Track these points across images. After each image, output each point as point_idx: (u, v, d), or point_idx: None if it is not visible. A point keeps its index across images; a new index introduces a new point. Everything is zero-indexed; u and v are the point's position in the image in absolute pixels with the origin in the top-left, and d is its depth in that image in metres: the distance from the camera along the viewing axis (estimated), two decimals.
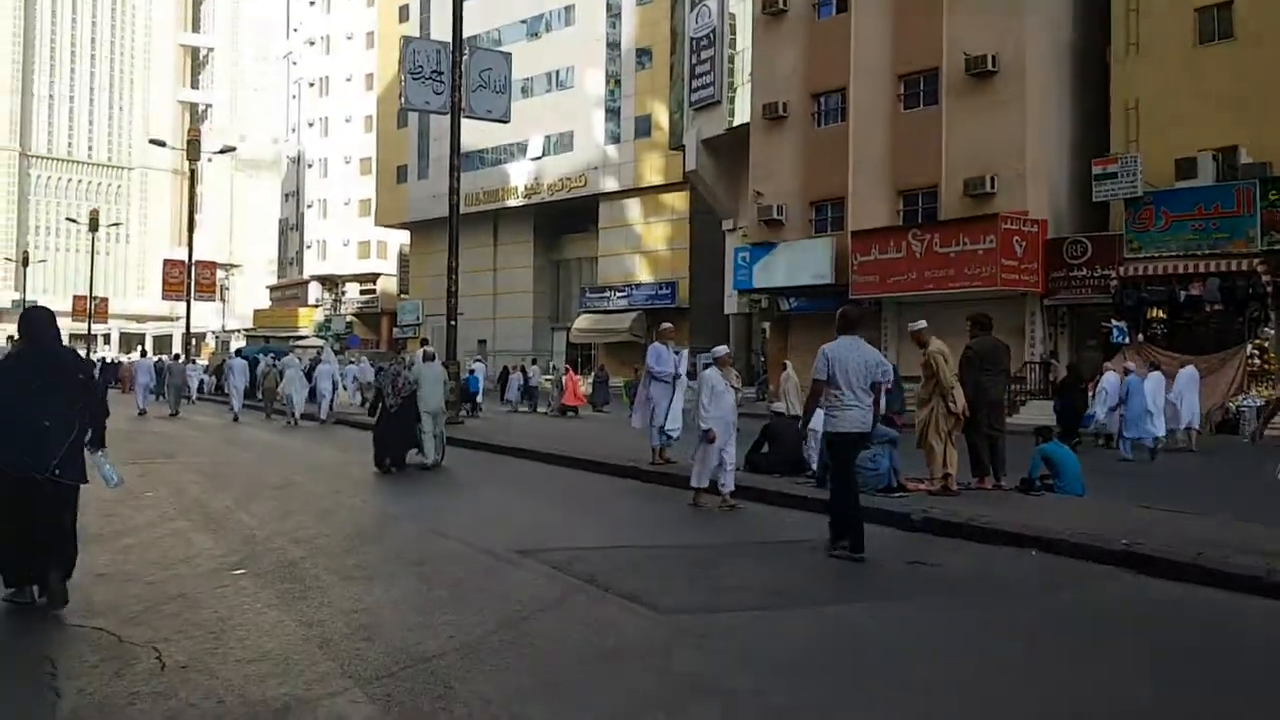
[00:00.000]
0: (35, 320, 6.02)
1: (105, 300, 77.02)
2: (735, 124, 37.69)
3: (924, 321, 10.89)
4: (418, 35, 64.03)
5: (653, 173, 49.77)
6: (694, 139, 40.53)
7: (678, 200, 49.22)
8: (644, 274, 50.66)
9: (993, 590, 6.92)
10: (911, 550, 8.08)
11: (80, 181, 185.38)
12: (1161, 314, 25.09)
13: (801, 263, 30.73)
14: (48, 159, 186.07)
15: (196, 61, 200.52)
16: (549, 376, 32.89)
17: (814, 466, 11.69)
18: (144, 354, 36.77)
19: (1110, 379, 18.40)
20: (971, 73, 27.49)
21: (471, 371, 29.20)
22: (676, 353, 13.32)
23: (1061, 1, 28.11)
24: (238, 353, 33.50)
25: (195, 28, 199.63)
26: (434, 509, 10.57)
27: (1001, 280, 25.86)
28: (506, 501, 11.05)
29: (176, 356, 31.99)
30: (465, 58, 21.39)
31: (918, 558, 7.74)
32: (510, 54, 22.86)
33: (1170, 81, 25.09)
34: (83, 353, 45.16)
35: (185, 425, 23.70)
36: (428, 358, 14.90)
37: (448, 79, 21.17)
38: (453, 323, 21.35)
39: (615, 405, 31.75)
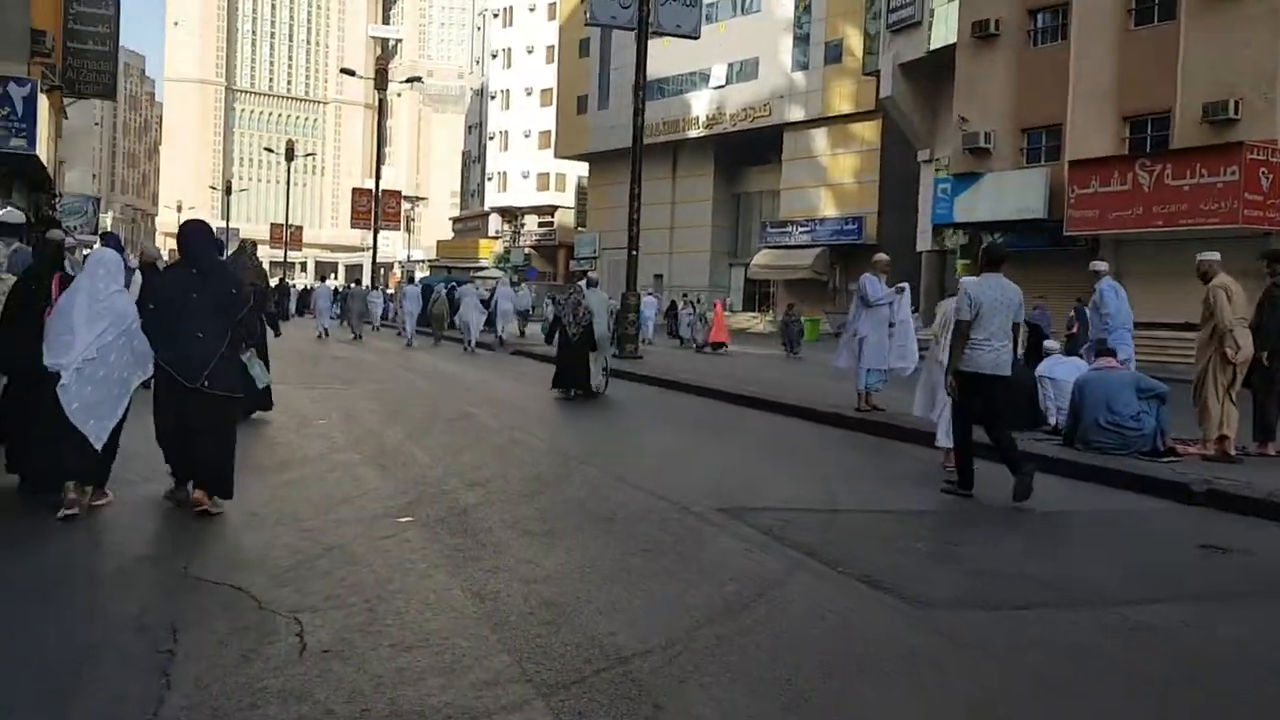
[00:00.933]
0: (191, 234, 6.13)
1: (300, 229, 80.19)
2: (935, 47, 35.10)
3: (1216, 254, 9.11)
4: None
5: (842, 101, 47.32)
6: (890, 63, 38.10)
7: (867, 130, 46.71)
8: (829, 208, 48.49)
9: None
10: (1199, 530, 6.57)
11: (279, 115, 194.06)
12: None
13: (1009, 195, 28.31)
14: (250, 93, 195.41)
15: None
16: (690, 311, 31.11)
17: (1052, 420, 10.15)
18: (323, 280, 37.63)
19: None
20: None
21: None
22: (899, 289, 11.89)
23: None
24: (409, 279, 34.22)
25: None
26: (617, 451, 9.58)
27: (1243, 217, 23.01)
28: (696, 446, 9.95)
29: (358, 282, 32.70)
30: None
31: (1211, 540, 6.23)
32: None
33: None
34: (275, 279, 46.59)
35: (364, 350, 23.75)
36: (591, 284, 14.61)
37: None
38: (634, 252, 20.36)
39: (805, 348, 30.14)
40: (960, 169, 29.97)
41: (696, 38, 21.69)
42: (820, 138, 49.09)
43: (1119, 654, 4.13)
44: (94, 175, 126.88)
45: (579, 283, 15.59)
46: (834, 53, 47.83)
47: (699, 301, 31.42)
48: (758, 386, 14.64)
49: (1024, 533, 6.47)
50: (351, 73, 48.84)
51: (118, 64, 31.51)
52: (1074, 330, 21.46)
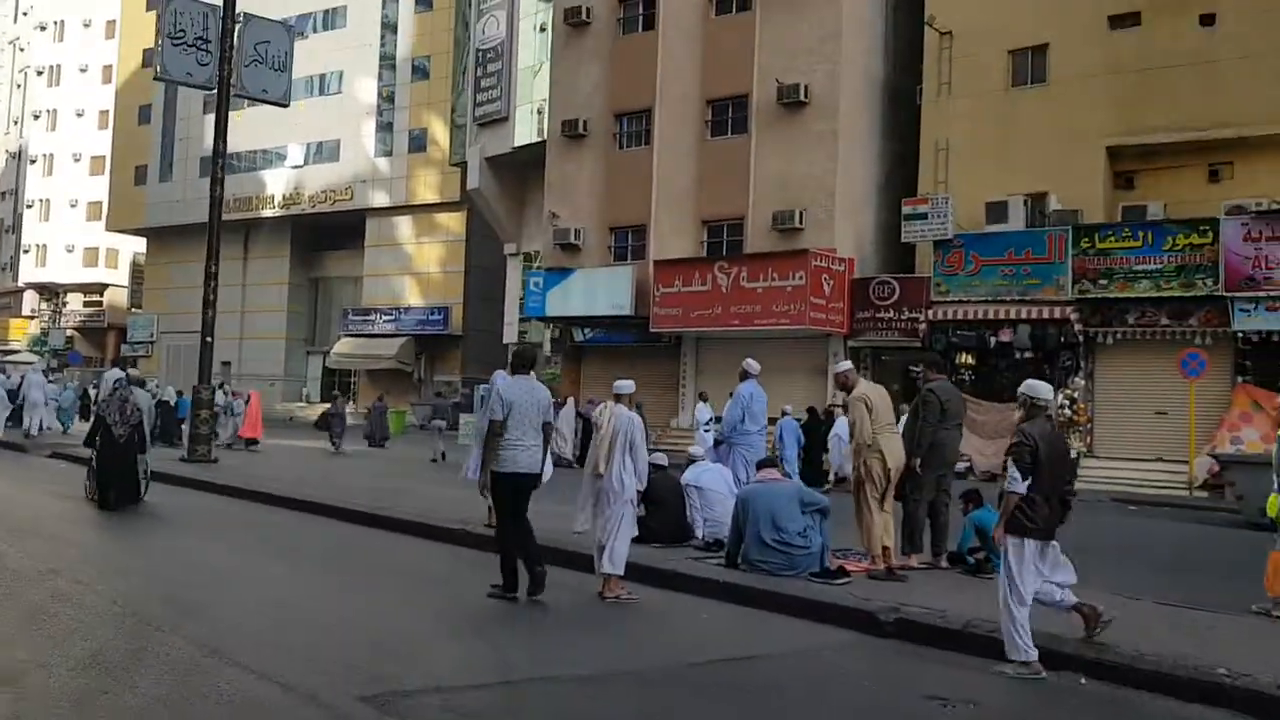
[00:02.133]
0: None
1: None
2: (520, 143, 35.44)
3: (848, 362, 8.96)
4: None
5: (427, 190, 46.56)
6: (477, 156, 37.95)
7: (453, 221, 46.24)
8: (414, 297, 47.20)
9: None
10: (907, 673, 5.94)
11: None
12: (970, 360, 24.65)
13: (600, 291, 28.63)
14: None
15: None
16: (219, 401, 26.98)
17: (699, 532, 9.46)
18: None
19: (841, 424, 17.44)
20: (783, 102, 26.40)
21: (181, 394, 25.55)
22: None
23: (875, 36, 27.58)
24: None
25: None
26: (206, 601, 7.47)
27: (810, 319, 24.66)
28: (309, 586, 8.11)
29: None
30: (238, 26, 18.00)
31: (929, 688, 5.57)
32: (293, 26, 19.59)
33: (982, 123, 24.85)
34: None
35: None
36: (134, 381, 13.44)
37: (215, 49, 17.71)
38: (209, 339, 17.81)
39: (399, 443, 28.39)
40: (552, 263, 29.98)
41: (285, 105, 19.71)
42: (405, 225, 47.92)
43: None
44: None
45: (116, 373, 13.51)
46: (418, 141, 47.15)
47: (228, 392, 27.72)
48: (364, 497, 12.85)
49: (740, 703, 5.42)
50: None
51: None
52: None
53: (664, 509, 9.30)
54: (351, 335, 48.10)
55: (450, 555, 9.65)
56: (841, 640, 6.68)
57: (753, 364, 11.02)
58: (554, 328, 30.84)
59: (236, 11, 18.00)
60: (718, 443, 11.41)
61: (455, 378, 45.38)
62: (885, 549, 8.24)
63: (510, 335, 39.48)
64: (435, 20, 46.73)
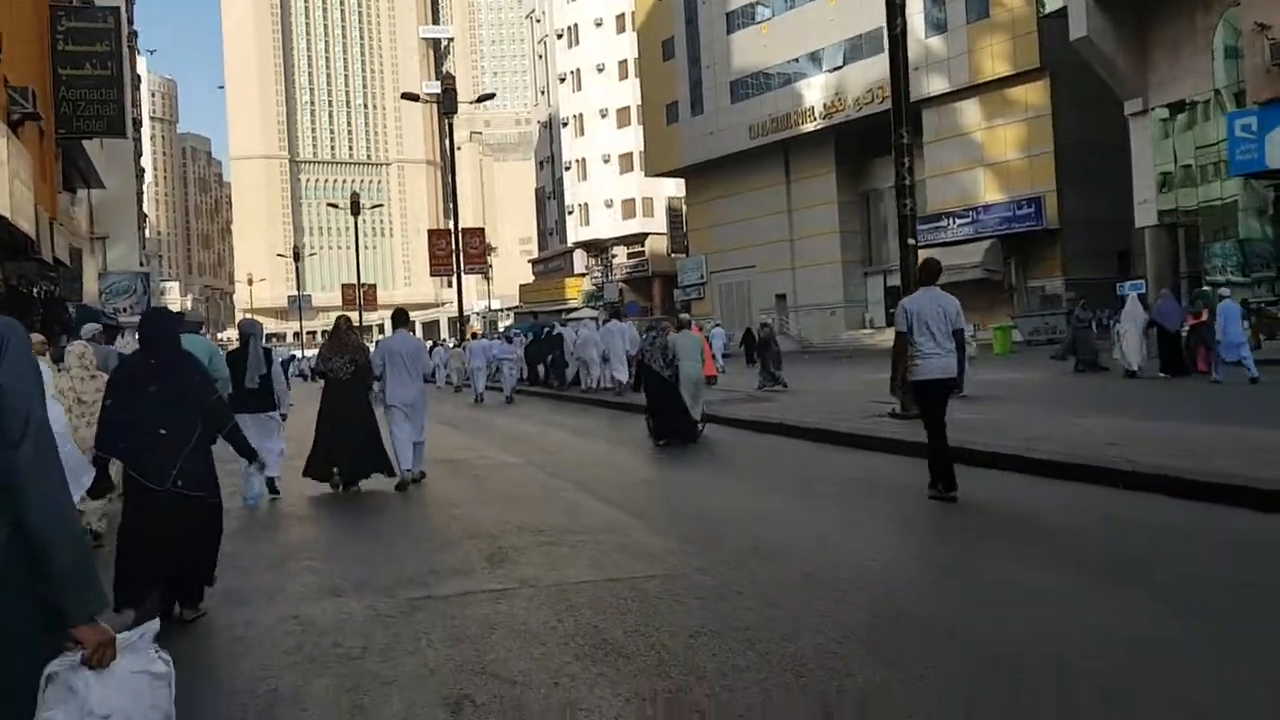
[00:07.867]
0: (151, 321, 5.50)
1: (373, 287, 74.04)
2: None
3: None
4: None
5: (996, 62, 39.19)
6: None
7: (1032, 94, 38.52)
8: (992, 193, 40.23)
9: None
10: None
11: (343, 181, 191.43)
12: None
13: None
14: (313, 163, 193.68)
15: (438, 53, 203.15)
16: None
17: None
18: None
19: None
20: None
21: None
22: None
23: None
24: (472, 335, 34.00)
25: (435, 19, 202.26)
26: None
27: None
28: None
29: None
30: None
31: None
32: None
33: None
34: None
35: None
36: (682, 325, 14.15)
37: None
38: (910, 241, 12.72)
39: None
40: (1270, 95, 21.53)
41: None
42: (970, 110, 40.98)
43: None
44: (156, 255, 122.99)
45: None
46: (979, 6, 39.80)
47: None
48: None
49: None
50: (415, 97, 42.04)
51: (125, 93, 24.80)
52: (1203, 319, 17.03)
53: None
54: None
55: None
56: None
57: None
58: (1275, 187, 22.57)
59: None
60: None
61: (1055, 280, 37.99)
62: None
63: (1146, 217, 31.47)
64: None
